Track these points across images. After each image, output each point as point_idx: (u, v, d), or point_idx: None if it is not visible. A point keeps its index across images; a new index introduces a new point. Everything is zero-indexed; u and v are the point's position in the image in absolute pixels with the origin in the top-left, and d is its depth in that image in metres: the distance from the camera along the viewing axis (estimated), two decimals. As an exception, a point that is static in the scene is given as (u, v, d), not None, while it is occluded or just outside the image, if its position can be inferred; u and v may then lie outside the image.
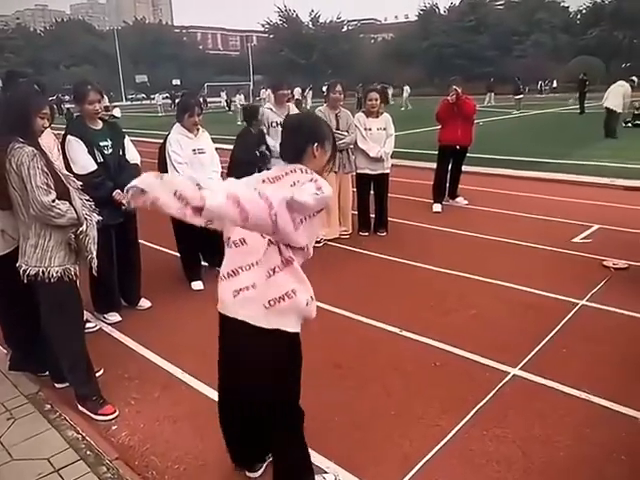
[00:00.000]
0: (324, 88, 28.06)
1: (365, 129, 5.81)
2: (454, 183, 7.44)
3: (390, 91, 22.54)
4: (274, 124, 5.58)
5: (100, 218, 2.92)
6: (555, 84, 43.48)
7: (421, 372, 3.17)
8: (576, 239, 5.64)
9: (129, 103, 60.33)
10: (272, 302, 1.86)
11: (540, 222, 6.39)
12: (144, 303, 4.23)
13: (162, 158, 4.49)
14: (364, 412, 2.80)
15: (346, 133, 5.64)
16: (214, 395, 2.94)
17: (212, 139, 4.64)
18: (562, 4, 59.17)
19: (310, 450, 2.16)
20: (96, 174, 3.62)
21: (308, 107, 26.90)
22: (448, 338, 3.52)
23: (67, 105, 27.23)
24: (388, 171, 6.01)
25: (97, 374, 3.06)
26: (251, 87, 47.99)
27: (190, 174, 4.29)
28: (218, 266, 5.00)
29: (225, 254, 2.03)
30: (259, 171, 5.19)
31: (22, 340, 3.11)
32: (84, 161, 3.61)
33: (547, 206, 7.09)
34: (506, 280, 4.51)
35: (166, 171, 4.38)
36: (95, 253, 2.79)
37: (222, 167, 4.70)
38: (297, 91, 32.15)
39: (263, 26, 71.55)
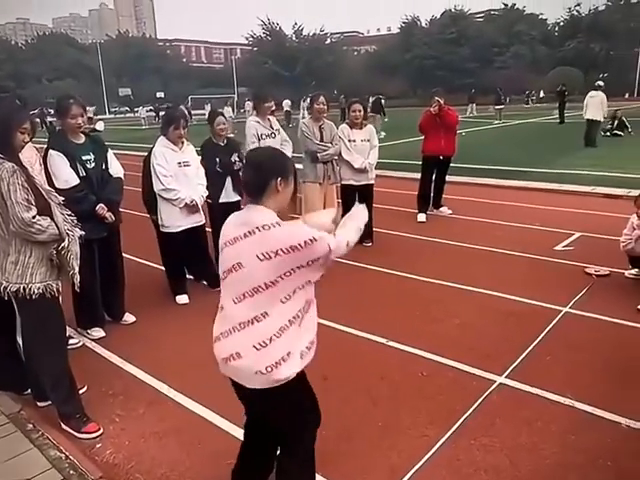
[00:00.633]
0: (304, 103, 27.99)
1: (349, 140, 5.85)
2: (438, 193, 7.51)
3: (384, 102, 22.59)
4: (263, 136, 5.59)
5: (82, 233, 2.89)
6: (542, 94, 44.18)
7: (408, 382, 3.18)
8: (558, 247, 5.72)
9: (112, 116, 60.05)
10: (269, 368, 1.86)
11: (523, 230, 6.47)
12: (128, 318, 4.18)
13: (146, 171, 4.47)
14: (351, 424, 2.79)
15: (330, 145, 5.67)
16: (200, 410, 2.93)
17: (196, 151, 4.64)
18: (540, 17, 60.55)
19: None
20: (78, 188, 3.60)
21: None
22: (434, 347, 3.54)
23: (50, 119, 27.03)
24: (373, 182, 6.05)
25: (80, 391, 3.01)
26: (235, 99, 48.01)
27: (175, 187, 4.29)
28: (203, 279, 5.02)
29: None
30: (233, 182, 5.23)
31: (2, 358, 3.05)
32: (66, 175, 3.58)
33: (529, 215, 7.18)
34: (490, 289, 4.55)
35: (151, 184, 4.36)
36: (77, 269, 2.76)
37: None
38: (286, 103, 32.16)
39: (247, 39, 71.96)
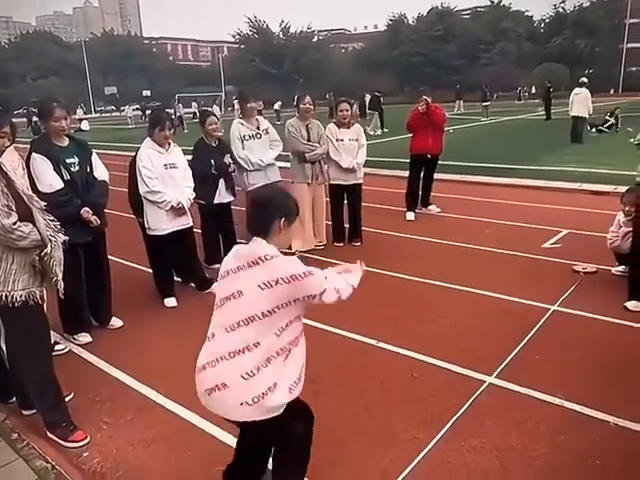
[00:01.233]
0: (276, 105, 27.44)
1: (337, 140, 5.83)
2: (426, 191, 7.52)
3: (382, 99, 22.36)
4: (247, 137, 5.56)
5: (66, 238, 2.83)
6: (534, 90, 44.38)
7: (398, 384, 3.17)
8: (546, 244, 5.75)
9: (98, 115, 59.47)
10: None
11: (510, 228, 6.50)
12: (115, 322, 4.13)
13: (132, 173, 4.42)
14: (341, 428, 2.77)
15: (317, 144, 5.65)
16: (190, 416, 2.90)
17: (183, 151, 4.59)
18: (526, 13, 60.92)
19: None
20: (63, 192, 3.54)
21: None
22: (424, 348, 3.53)
23: (36, 119, 26.66)
24: (361, 181, 6.04)
25: (67, 399, 2.96)
26: (223, 98, 47.76)
27: (161, 189, 4.24)
28: (191, 282, 4.98)
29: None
30: (226, 183, 5.20)
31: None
32: (50, 179, 3.52)
33: (517, 212, 7.22)
34: (479, 287, 4.56)
35: (136, 185, 4.31)
36: (61, 275, 2.71)
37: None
38: (278, 104, 31.98)
39: (234, 37, 71.56)
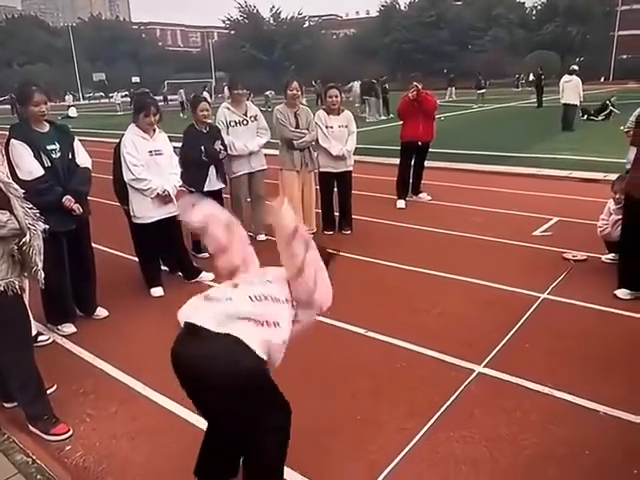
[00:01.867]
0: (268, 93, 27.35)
1: (327, 127, 5.74)
2: (417, 179, 7.47)
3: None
4: (232, 123, 5.47)
5: (46, 227, 2.74)
6: (531, 77, 44.16)
7: (387, 374, 3.13)
8: (537, 232, 5.73)
9: (86, 102, 58.67)
10: None
11: (501, 216, 6.48)
12: (101, 312, 4.05)
13: (117, 159, 4.33)
14: (330, 417, 2.74)
15: (306, 131, 5.56)
16: (175, 408, 2.84)
17: (170, 138, 4.49)
18: (518, 0, 60.49)
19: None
20: (43, 179, 3.43)
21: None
22: (413, 337, 3.50)
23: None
24: (351, 169, 5.97)
25: (49, 391, 2.91)
26: (213, 84, 47.21)
27: (146, 176, 4.15)
28: (179, 271, 4.90)
29: None
30: (216, 170, 5.14)
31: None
32: (30, 166, 3.41)
33: (507, 200, 7.19)
34: (469, 276, 4.52)
35: (121, 173, 4.22)
36: (41, 264, 2.63)
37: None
38: (270, 93, 31.57)
39: (224, 22, 70.67)
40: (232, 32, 70.04)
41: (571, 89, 14.26)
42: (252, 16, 68.03)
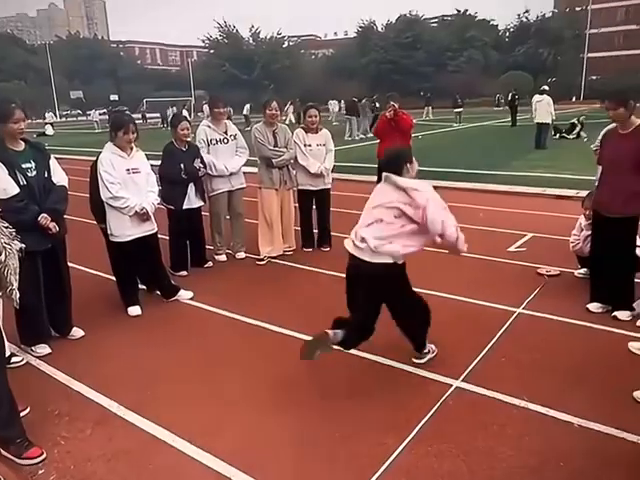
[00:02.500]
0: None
1: (305, 145, 5.80)
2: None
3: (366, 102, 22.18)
4: (213, 141, 5.49)
5: (22, 246, 2.72)
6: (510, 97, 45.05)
7: (367, 389, 3.15)
8: (511, 248, 5.85)
9: (63, 120, 58.12)
10: None
11: (477, 232, 6.58)
12: (76, 332, 3.99)
13: (93, 177, 4.31)
14: (306, 434, 2.74)
15: (285, 150, 5.61)
16: (152, 429, 2.81)
17: (149, 156, 4.49)
18: (491, 23, 62.28)
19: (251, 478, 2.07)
20: (18, 198, 3.40)
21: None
22: (392, 353, 3.52)
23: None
24: (329, 186, 6.03)
25: (22, 413, 2.85)
26: (192, 102, 47.28)
27: (123, 194, 4.13)
28: (156, 290, 4.87)
29: None
30: (195, 187, 5.16)
31: None
32: (5, 184, 3.37)
33: (483, 216, 7.32)
34: (446, 291, 4.59)
35: (97, 191, 4.19)
36: (16, 284, 2.60)
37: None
38: (245, 108, 31.89)
39: (203, 41, 70.99)
40: (212, 51, 70.39)
41: (543, 108, 14.68)
42: (232, 36, 68.57)
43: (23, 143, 3.55)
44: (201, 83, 62.25)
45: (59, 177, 3.73)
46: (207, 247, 5.69)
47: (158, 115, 38.57)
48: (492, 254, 5.58)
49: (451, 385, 3.13)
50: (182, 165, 5.04)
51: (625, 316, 3.89)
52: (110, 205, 4.17)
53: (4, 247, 2.55)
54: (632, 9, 55.90)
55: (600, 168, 4.09)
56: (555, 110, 15.02)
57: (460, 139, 19.45)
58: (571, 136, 17.07)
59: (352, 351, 3.59)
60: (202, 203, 5.36)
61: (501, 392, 3.04)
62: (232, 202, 5.71)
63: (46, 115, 39.46)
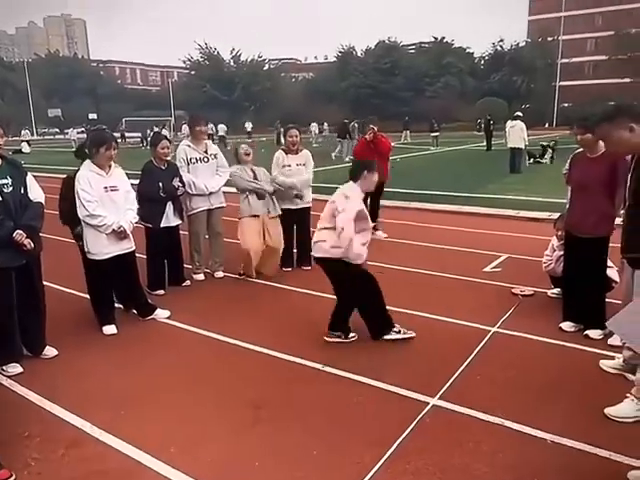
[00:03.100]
0: (246, 124, 29.20)
1: (283, 166, 5.85)
2: (373, 216, 7.64)
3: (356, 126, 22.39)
4: (193, 160, 5.51)
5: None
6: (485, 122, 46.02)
7: (343, 408, 3.14)
8: (487, 268, 5.95)
9: (40, 138, 57.44)
10: None
11: (453, 253, 6.70)
12: (49, 352, 3.91)
13: (65, 192, 4.30)
14: (283, 453, 2.72)
15: (263, 183, 5.63)
16: (127, 450, 2.76)
17: (129, 175, 4.48)
18: (467, 50, 64.04)
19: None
20: (-7, 214, 3.36)
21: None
22: (368, 372, 3.53)
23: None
24: (309, 205, 6.08)
25: (-9, 435, 2.77)
26: (172, 122, 47.30)
27: (101, 212, 4.11)
28: (133, 309, 4.81)
29: None
30: (174, 206, 5.16)
31: None
32: (-20, 201, 3.34)
33: (459, 237, 7.45)
34: (422, 310, 4.64)
35: (70, 208, 4.17)
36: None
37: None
38: (221, 127, 32.26)
39: (184, 62, 71.31)
40: (192, 72, 70.71)
41: (516, 133, 15.09)
42: (212, 57, 69.06)
43: (0, 159, 3.53)
44: (181, 103, 62.32)
45: (36, 194, 3.70)
46: (185, 266, 5.66)
47: (138, 135, 38.50)
48: (468, 274, 5.67)
49: (428, 403, 3.16)
50: (161, 184, 5.05)
51: (597, 335, 3.99)
52: (87, 223, 4.14)
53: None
54: (601, 41, 58.16)
55: (569, 190, 4.24)
56: (528, 136, 15.45)
57: (437, 162, 19.82)
58: (544, 160, 17.55)
59: (330, 370, 3.61)
60: (180, 221, 5.35)
61: (476, 409, 3.07)
62: (211, 221, 5.70)
63: (22, 132, 38.98)
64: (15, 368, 3.67)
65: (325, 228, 4.00)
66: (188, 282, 5.56)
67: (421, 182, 12.88)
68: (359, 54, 66.73)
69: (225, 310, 4.87)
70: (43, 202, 3.75)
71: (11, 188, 3.50)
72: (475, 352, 3.84)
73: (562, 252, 4.56)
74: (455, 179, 13.72)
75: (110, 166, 4.24)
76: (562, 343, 3.97)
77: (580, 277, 4.03)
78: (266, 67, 72.50)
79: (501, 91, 53.54)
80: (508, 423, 2.94)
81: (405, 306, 4.74)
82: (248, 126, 39.70)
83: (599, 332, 3.99)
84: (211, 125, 33.13)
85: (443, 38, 63.60)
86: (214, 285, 5.64)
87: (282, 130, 32.70)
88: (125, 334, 4.30)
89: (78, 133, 38.08)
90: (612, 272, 4.27)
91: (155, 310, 4.61)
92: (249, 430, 2.94)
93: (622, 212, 3.20)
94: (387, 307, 4.12)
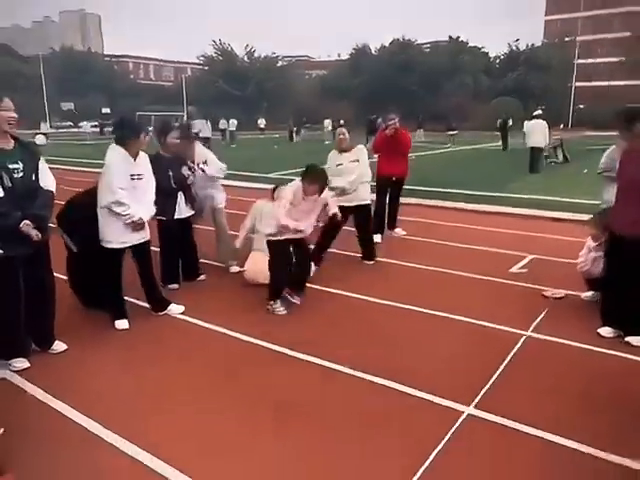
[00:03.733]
0: (259, 121, 29.34)
1: (337, 165, 5.74)
2: (392, 214, 7.42)
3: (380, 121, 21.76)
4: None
5: (0, 251, 2.49)
6: (510, 122, 45.61)
7: (375, 418, 2.90)
8: (513, 269, 5.69)
9: (54, 130, 57.76)
10: None
11: (477, 252, 6.44)
12: (58, 346, 3.71)
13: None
14: (315, 463, 2.51)
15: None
16: (136, 452, 2.56)
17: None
18: (482, 50, 63.36)
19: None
20: (1, 202, 3.16)
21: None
22: (401, 377, 3.29)
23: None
24: (365, 202, 5.92)
25: (-4, 434, 2.59)
26: (185, 117, 47.23)
27: (127, 201, 3.92)
28: (146, 302, 4.60)
29: None
30: (185, 196, 4.96)
31: None
32: (-12, 186, 3.15)
33: (482, 236, 7.20)
34: (449, 312, 4.40)
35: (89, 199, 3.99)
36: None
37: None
38: (232, 122, 32.06)
39: (198, 58, 71.28)
40: (206, 68, 70.66)
41: (538, 132, 14.71)
42: (226, 53, 68.90)
43: (13, 141, 3.34)
44: (194, 98, 62.22)
45: (47, 181, 3.50)
46: (202, 261, 5.48)
47: (150, 129, 38.47)
48: (495, 275, 5.42)
49: (463, 412, 2.92)
50: (171, 173, 4.85)
51: (638, 342, 3.73)
52: (109, 210, 3.94)
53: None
54: (618, 42, 57.29)
55: (609, 190, 3.97)
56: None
57: (455, 161, 19.46)
58: (559, 160, 17.19)
59: (358, 374, 3.37)
60: (192, 212, 5.16)
61: (512, 419, 2.84)
62: (216, 218, 5.58)
63: (41, 125, 39.15)
64: (22, 363, 3.48)
65: None
66: (203, 276, 5.36)
67: (439, 180, 12.60)
68: (373, 51, 66.27)
69: (242, 306, 4.66)
70: (54, 190, 3.55)
71: (22, 173, 3.30)
72: (509, 358, 3.59)
73: (598, 253, 4.31)
74: (475, 178, 13.37)
75: (138, 153, 4.07)
76: (601, 350, 3.71)
77: (622, 280, 3.77)
78: (279, 64, 72.25)
79: (516, 90, 52.85)
80: (543, 434, 2.71)
81: (431, 307, 4.51)
82: (261, 122, 39.57)
83: (640, 339, 3.74)
84: (223, 120, 33.13)
85: (458, 37, 62.98)
86: (229, 279, 5.43)
87: (295, 128, 32.83)
88: (137, 329, 4.11)
89: (92, 127, 38.20)
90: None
91: (169, 305, 4.42)
92: (270, 437, 2.73)
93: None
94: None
